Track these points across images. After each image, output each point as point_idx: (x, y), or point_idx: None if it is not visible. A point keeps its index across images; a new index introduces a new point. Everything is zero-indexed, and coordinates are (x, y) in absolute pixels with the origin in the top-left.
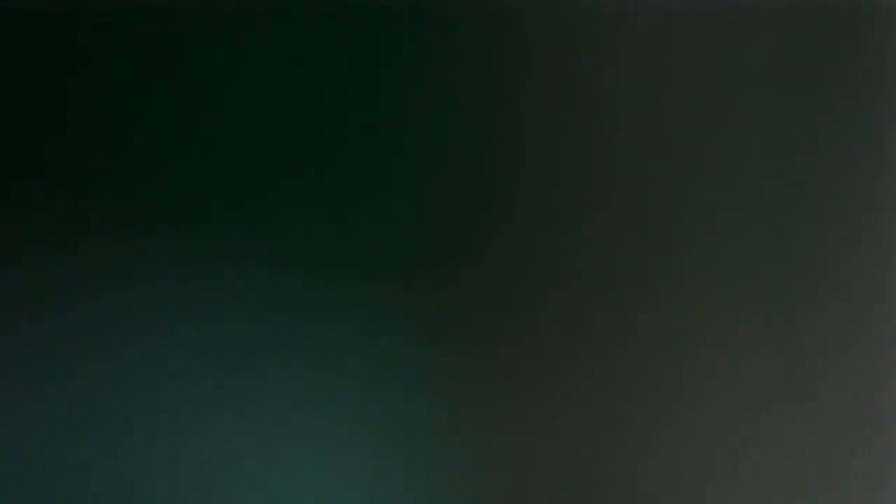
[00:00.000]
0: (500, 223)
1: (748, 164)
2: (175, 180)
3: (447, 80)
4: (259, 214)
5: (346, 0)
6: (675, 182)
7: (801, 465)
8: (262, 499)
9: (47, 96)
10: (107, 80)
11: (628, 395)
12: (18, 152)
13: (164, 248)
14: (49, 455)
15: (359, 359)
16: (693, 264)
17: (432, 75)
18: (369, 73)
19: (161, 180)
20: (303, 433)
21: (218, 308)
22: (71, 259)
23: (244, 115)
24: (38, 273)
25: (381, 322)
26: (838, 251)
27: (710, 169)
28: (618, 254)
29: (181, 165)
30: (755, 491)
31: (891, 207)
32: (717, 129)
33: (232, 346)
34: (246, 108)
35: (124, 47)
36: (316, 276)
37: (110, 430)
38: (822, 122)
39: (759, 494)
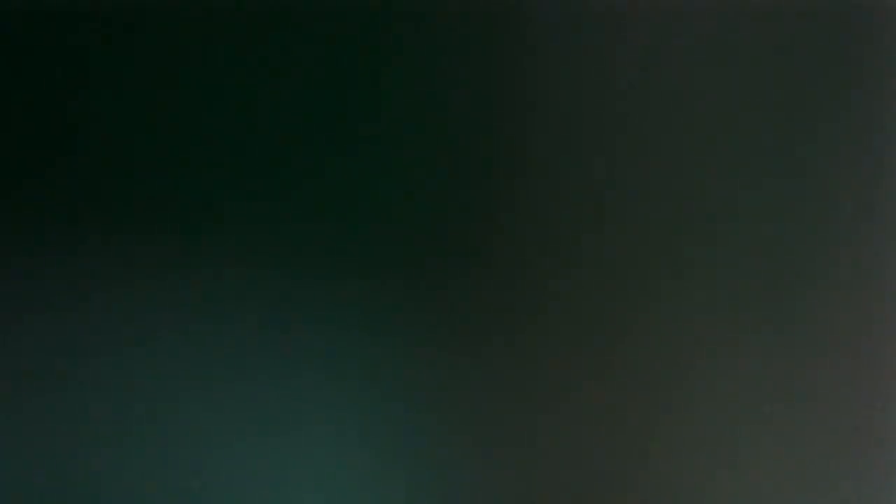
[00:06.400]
0: (500, 223)
1: (748, 164)
2: (175, 181)
3: (447, 80)
4: (259, 215)
5: (346, 1)
6: (675, 183)
7: (801, 465)
8: (261, 499)
9: (47, 96)
10: (108, 80)
11: (629, 396)
12: (18, 152)
13: (164, 249)
14: (49, 455)
15: (359, 359)
16: (693, 265)
17: (432, 75)
18: (369, 74)
19: (161, 181)
20: (303, 434)
21: (217, 309)
22: (71, 259)
23: (244, 116)
24: (38, 273)
25: (382, 322)
26: (838, 251)
27: (709, 169)
28: (618, 254)
29: (181, 166)
30: (756, 492)
31: (891, 207)
32: (716, 129)
33: (232, 346)
34: (246, 108)
35: (125, 47)
36: (316, 277)
37: (110, 431)
38: (822, 122)
39: (760, 496)
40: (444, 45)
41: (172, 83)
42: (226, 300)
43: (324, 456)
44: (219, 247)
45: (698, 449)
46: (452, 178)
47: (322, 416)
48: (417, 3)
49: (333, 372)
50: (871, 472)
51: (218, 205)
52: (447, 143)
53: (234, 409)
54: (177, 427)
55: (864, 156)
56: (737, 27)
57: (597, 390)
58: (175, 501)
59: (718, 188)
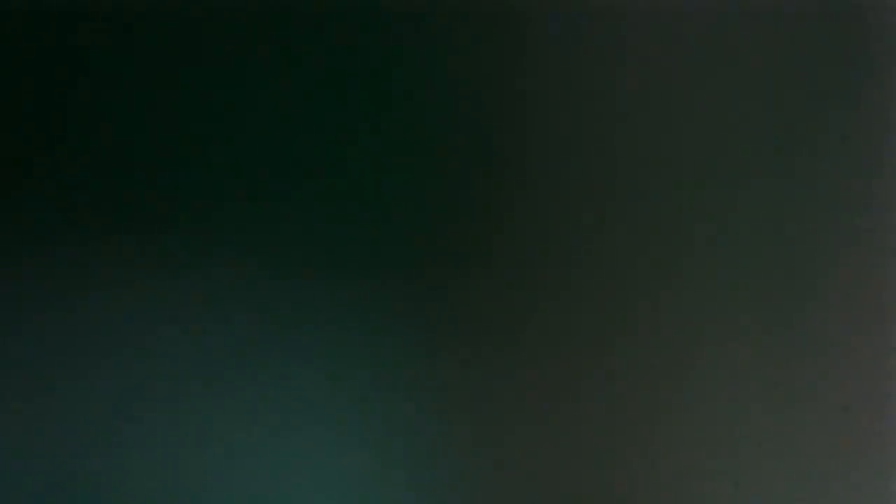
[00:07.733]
0: (501, 224)
1: (748, 164)
2: (175, 181)
3: (447, 80)
4: (259, 215)
5: (346, 1)
6: (674, 183)
7: (800, 465)
8: (261, 499)
9: (47, 97)
10: (107, 81)
11: (629, 396)
12: (18, 152)
13: (164, 249)
14: (49, 455)
15: (358, 360)
16: (693, 265)
17: (432, 76)
18: (369, 73)
19: (160, 181)
20: (303, 433)
21: (218, 309)
22: (71, 259)
23: (244, 117)
24: (38, 273)
25: (382, 322)
26: (838, 251)
27: (710, 169)
28: (619, 254)
29: (180, 167)
30: (756, 492)
31: (891, 207)
32: (716, 129)
33: (232, 347)
34: (245, 109)
35: (124, 48)
36: (316, 278)
37: (110, 431)
38: (822, 122)
39: (760, 495)
40: (444, 45)
41: (172, 83)
42: (226, 300)
43: (324, 456)
44: (219, 247)
45: (698, 449)
46: (452, 178)
47: (322, 416)
48: (417, 3)
49: (333, 372)
50: (871, 472)
51: (218, 205)
52: (447, 143)
53: (234, 409)
54: (176, 427)
55: (864, 156)
56: (737, 27)
57: (597, 390)
58: (175, 501)
59: (718, 188)
